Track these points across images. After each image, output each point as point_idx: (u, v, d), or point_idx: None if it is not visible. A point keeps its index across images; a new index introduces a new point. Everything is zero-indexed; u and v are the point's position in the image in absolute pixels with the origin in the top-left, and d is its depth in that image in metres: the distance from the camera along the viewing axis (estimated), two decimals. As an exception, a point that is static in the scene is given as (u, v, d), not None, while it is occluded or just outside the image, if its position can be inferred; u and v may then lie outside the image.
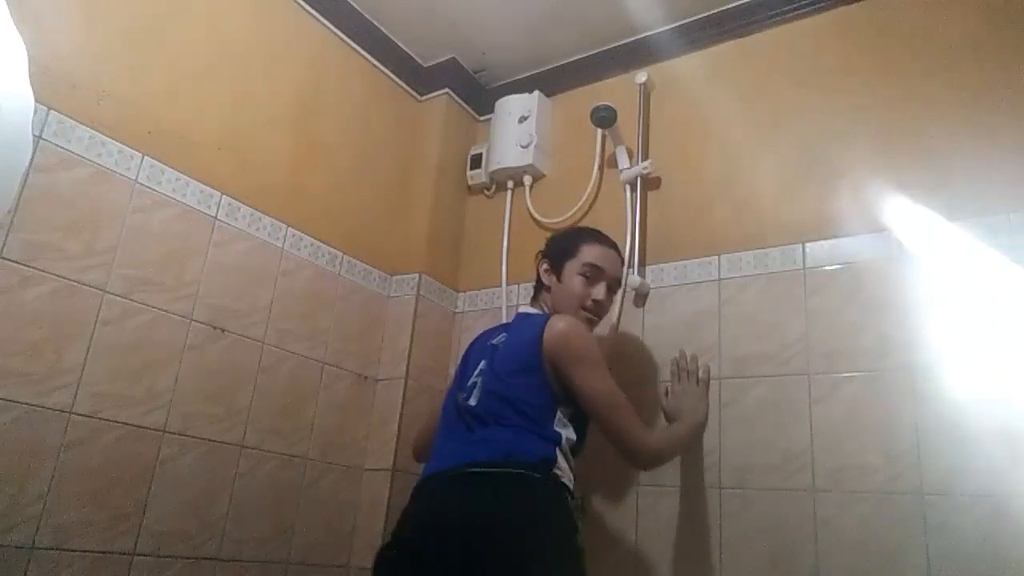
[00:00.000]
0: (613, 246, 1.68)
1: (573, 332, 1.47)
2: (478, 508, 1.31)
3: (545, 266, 1.66)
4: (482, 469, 1.35)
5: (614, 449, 1.47)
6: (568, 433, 1.43)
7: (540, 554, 1.26)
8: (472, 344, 1.68)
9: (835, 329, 1.66)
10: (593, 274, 1.60)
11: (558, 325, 1.47)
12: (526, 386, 1.43)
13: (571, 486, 1.40)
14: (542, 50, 2.40)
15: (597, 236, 1.68)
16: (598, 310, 1.62)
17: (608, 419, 1.44)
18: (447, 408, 1.57)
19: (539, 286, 1.69)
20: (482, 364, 1.53)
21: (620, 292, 1.94)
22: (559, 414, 1.43)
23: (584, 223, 2.16)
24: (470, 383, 1.52)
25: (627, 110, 2.12)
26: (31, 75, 1.33)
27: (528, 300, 1.74)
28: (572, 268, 1.61)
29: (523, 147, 2.33)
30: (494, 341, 1.58)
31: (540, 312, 1.62)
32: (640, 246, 2.02)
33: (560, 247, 1.67)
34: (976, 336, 1.50)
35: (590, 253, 1.62)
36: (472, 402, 1.47)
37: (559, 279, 1.62)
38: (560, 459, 1.39)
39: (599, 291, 1.60)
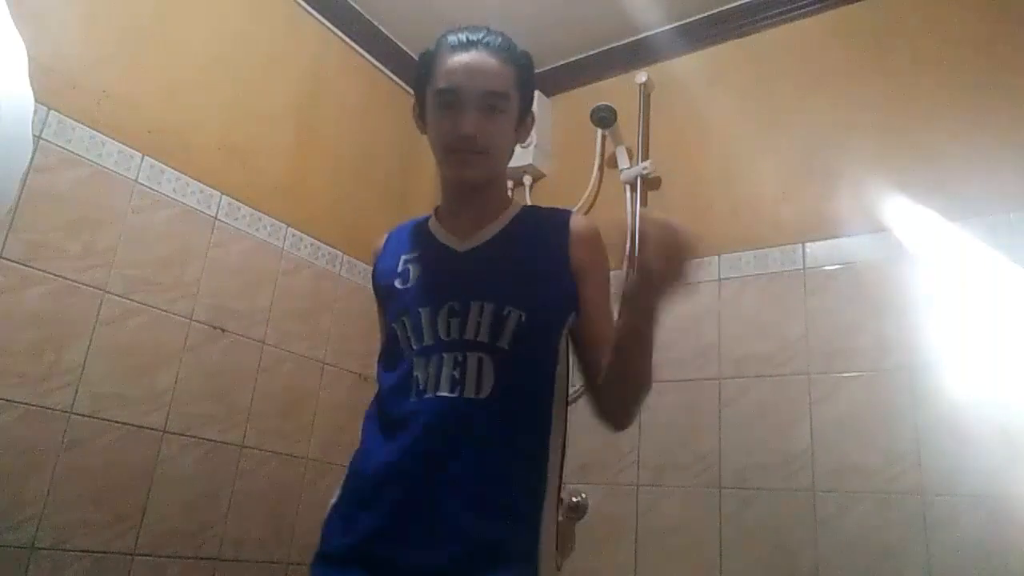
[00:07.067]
0: (476, 42, 1.09)
1: None
2: None
3: (413, 102, 1.19)
4: None
5: None
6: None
7: None
8: None
9: (835, 329, 1.66)
10: (450, 101, 1.06)
11: None
12: None
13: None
14: (542, 50, 2.40)
15: (455, 42, 1.10)
16: (470, 144, 1.06)
17: None
18: None
19: None
20: None
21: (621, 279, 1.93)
22: None
23: (584, 223, 2.16)
24: None
25: (627, 110, 2.12)
26: (31, 75, 1.33)
27: None
28: (430, 101, 1.10)
29: (523, 147, 2.33)
30: None
31: None
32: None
33: (417, 74, 1.15)
34: (976, 336, 1.50)
35: (440, 73, 1.08)
36: None
37: (424, 119, 1.14)
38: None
39: (463, 122, 1.05)
